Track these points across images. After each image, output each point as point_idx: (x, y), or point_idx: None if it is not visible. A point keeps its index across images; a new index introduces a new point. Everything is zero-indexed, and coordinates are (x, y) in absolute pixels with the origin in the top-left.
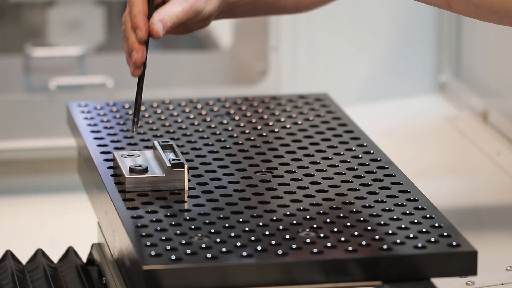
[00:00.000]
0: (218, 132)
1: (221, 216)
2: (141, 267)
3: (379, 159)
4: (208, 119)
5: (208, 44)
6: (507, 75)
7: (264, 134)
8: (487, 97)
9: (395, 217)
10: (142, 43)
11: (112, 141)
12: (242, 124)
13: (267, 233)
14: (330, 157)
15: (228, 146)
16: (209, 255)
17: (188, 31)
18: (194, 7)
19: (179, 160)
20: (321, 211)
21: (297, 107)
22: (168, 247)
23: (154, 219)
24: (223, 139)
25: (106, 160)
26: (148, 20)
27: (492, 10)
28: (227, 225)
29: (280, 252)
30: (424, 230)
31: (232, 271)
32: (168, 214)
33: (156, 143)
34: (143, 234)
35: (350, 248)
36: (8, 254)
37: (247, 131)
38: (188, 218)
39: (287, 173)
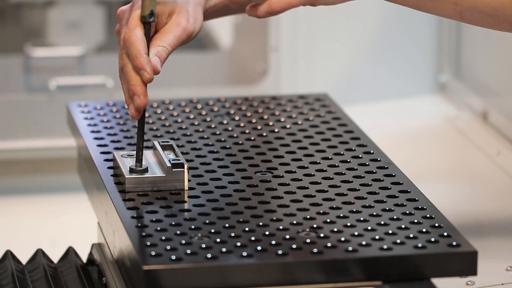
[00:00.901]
0: (218, 132)
1: (221, 216)
2: (141, 267)
3: (379, 159)
4: (208, 119)
5: (208, 44)
6: (507, 75)
7: (264, 134)
8: (487, 97)
9: (395, 217)
10: (146, 85)
11: (112, 141)
12: (242, 124)
13: (267, 233)
14: (330, 157)
15: (228, 146)
16: (209, 255)
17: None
18: (186, 31)
19: (179, 160)
20: (321, 211)
21: (297, 107)
22: (168, 247)
23: (154, 219)
24: (223, 139)
25: (106, 160)
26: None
27: (504, 19)
28: (227, 225)
29: (280, 252)
30: (424, 230)
31: (232, 271)
32: (168, 214)
33: (156, 143)
34: (143, 234)
35: (350, 248)
36: (8, 254)
37: (247, 131)
38: (188, 218)
39: (287, 173)
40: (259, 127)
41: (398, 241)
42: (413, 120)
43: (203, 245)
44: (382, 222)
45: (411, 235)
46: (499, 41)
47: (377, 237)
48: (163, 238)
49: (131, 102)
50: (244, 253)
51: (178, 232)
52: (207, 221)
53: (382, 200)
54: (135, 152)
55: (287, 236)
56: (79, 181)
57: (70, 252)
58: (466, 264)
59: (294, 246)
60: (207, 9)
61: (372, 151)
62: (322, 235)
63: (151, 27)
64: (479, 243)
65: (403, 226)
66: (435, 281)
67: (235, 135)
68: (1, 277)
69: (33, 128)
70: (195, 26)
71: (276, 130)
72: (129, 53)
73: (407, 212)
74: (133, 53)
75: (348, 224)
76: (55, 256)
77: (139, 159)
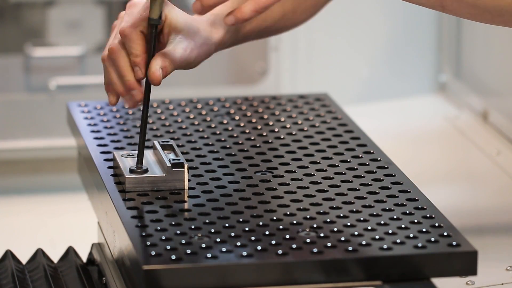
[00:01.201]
0: (218, 132)
1: (221, 216)
2: (141, 267)
3: (379, 159)
4: (208, 119)
5: None
6: (507, 75)
7: (264, 134)
8: (487, 97)
9: (395, 217)
10: (140, 82)
11: (112, 141)
12: (242, 124)
13: (267, 233)
14: (330, 157)
15: (228, 146)
16: (209, 255)
17: None
18: (184, 58)
19: (179, 160)
20: (321, 211)
21: (297, 107)
22: (168, 247)
23: (154, 219)
24: (223, 139)
25: (106, 160)
26: (150, 60)
27: (485, 10)
28: (227, 225)
29: (280, 252)
30: (424, 230)
31: (232, 271)
32: (168, 214)
33: (156, 143)
34: (143, 234)
35: (350, 248)
36: (8, 254)
37: (247, 131)
38: (188, 218)
39: (287, 173)
40: (259, 127)
41: (398, 241)
42: (413, 120)
43: (203, 245)
44: (382, 222)
45: (411, 235)
46: (499, 41)
47: (377, 237)
48: (163, 238)
49: (110, 89)
50: (244, 253)
51: (178, 232)
52: (207, 221)
53: (382, 200)
54: (135, 152)
55: (287, 236)
56: (79, 181)
57: (70, 252)
58: (466, 264)
59: (294, 245)
60: (218, 47)
61: (372, 151)
62: (322, 235)
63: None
64: (479, 243)
65: (403, 226)
66: (435, 281)
67: (235, 135)
68: (1, 277)
69: (33, 128)
70: (193, 61)
71: (276, 130)
72: (129, 48)
73: (407, 212)
74: (135, 51)
75: (348, 224)
76: (55, 256)
77: (140, 160)
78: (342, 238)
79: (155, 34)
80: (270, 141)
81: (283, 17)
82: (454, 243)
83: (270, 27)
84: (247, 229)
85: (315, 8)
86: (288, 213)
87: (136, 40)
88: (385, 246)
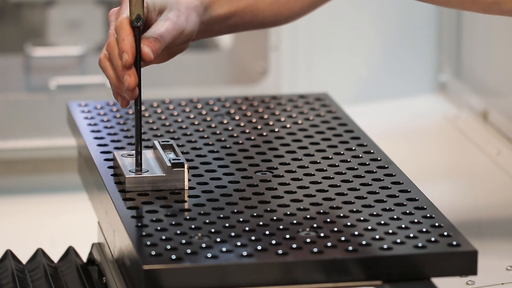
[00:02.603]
0: (218, 132)
1: (221, 215)
2: (141, 266)
3: (379, 158)
4: (208, 118)
5: (208, 44)
6: (507, 75)
7: (264, 133)
8: (487, 97)
9: (395, 216)
10: (129, 67)
11: (112, 141)
12: (242, 124)
13: (267, 232)
14: (330, 156)
15: (228, 146)
16: (209, 255)
17: (170, 56)
18: (177, 26)
19: (179, 159)
20: (321, 211)
21: (297, 107)
22: (168, 247)
23: (154, 219)
24: (223, 139)
25: (106, 160)
26: (137, 49)
27: None
28: (227, 224)
29: (280, 251)
30: (424, 229)
31: (232, 271)
32: (168, 213)
33: (156, 142)
34: (143, 233)
35: (350, 248)
36: (9, 253)
37: (247, 131)
38: (188, 217)
39: (287, 172)
40: (259, 127)
41: (398, 240)
42: (413, 120)
43: (203, 245)
44: (382, 222)
45: (411, 235)
46: (499, 41)
47: (377, 236)
48: (163, 237)
49: (117, 95)
50: (244, 253)
51: (178, 232)
52: (207, 221)
53: (382, 199)
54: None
55: (287, 236)
56: (79, 181)
57: (70, 252)
58: (466, 263)
59: (294, 245)
60: (209, 22)
61: (372, 151)
62: (322, 234)
63: (140, 31)
64: (479, 243)
65: (403, 226)
66: (435, 280)
67: (235, 135)
68: (1, 277)
69: (33, 128)
70: (187, 25)
71: (276, 129)
72: (118, 36)
73: (407, 211)
74: (121, 36)
75: (348, 223)
76: (55, 255)
77: (138, 164)
78: (342, 238)
79: (136, 35)
80: (270, 141)
81: (275, 1)
82: (454, 243)
83: (263, 11)
84: (247, 229)
85: None
86: (288, 213)
87: (124, 26)
88: (385, 246)
